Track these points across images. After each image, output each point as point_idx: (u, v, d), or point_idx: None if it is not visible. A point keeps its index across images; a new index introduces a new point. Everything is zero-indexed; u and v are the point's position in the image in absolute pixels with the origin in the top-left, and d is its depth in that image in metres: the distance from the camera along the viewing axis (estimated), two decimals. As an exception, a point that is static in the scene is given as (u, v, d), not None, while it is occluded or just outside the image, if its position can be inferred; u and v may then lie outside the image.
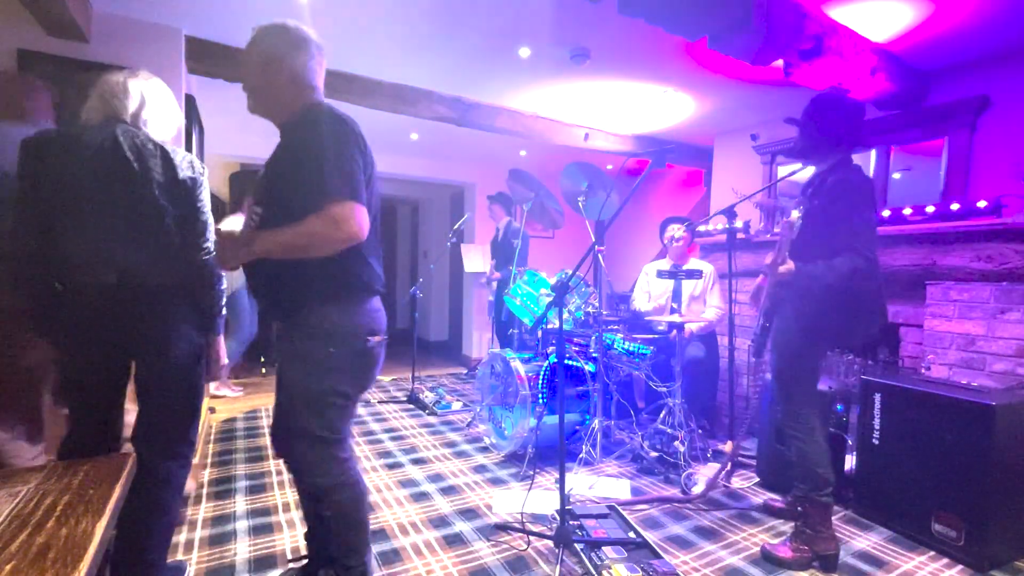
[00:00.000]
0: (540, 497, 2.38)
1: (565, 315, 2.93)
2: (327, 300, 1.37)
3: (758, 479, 2.67)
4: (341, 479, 1.43)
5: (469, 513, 2.27)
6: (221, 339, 1.68)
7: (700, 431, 2.97)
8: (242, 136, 4.77)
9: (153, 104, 1.57)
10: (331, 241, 1.26)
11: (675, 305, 3.28)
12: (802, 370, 1.99)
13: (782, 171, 4.00)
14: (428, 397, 4.20)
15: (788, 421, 1.99)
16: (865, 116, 1.95)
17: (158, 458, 1.50)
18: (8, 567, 0.85)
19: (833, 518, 2.01)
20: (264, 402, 3.95)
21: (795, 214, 1.82)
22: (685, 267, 3.30)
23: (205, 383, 1.66)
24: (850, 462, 2.45)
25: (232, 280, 4.12)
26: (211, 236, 1.57)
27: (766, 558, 1.94)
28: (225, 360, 1.70)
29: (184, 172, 1.52)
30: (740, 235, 3.31)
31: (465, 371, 5.52)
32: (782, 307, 1.98)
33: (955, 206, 2.70)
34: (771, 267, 1.87)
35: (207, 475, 2.58)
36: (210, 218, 1.59)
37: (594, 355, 3.02)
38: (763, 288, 2.17)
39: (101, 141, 1.44)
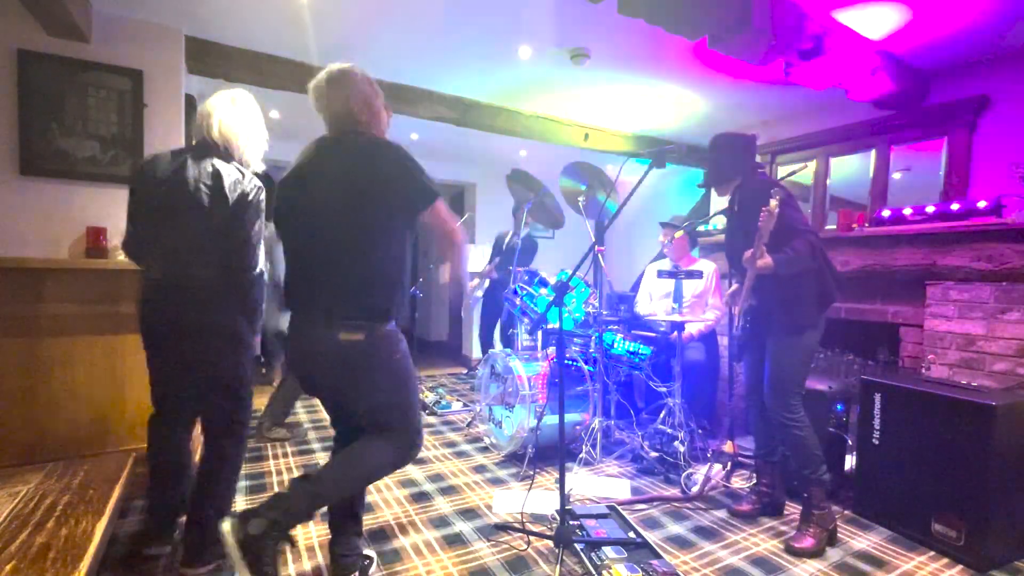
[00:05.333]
0: (540, 497, 2.38)
1: (564, 315, 2.93)
2: None
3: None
4: None
5: (469, 513, 2.27)
6: (258, 338, 1.87)
7: (700, 431, 2.97)
8: (242, 136, 4.76)
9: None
10: None
11: (675, 305, 3.28)
12: (798, 361, 2.09)
13: (782, 171, 4.00)
14: (428, 397, 4.20)
15: (785, 413, 2.07)
16: (756, 146, 2.27)
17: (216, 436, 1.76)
18: (8, 567, 0.85)
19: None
20: (264, 403, 3.93)
21: (773, 203, 1.88)
22: (686, 267, 3.31)
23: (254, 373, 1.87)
24: (850, 462, 2.45)
25: None
26: (258, 251, 1.72)
27: (792, 553, 1.98)
28: (257, 351, 1.88)
29: (231, 193, 1.66)
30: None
31: (465, 371, 5.52)
32: (766, 306, 2.10)
33: (955, 206, 2.70)
34: (751, 262, 1.96)
35: (207, 475, 2.58)
36: (258, 236, 1.73)
37: (594, 355, 3.02)
38: (739, 291, 2.24)
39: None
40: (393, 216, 1.48)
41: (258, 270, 1.73)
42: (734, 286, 2.33)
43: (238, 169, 1.71)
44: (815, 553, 1.97)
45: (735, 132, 2.28)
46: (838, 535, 2.09)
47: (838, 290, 2.10)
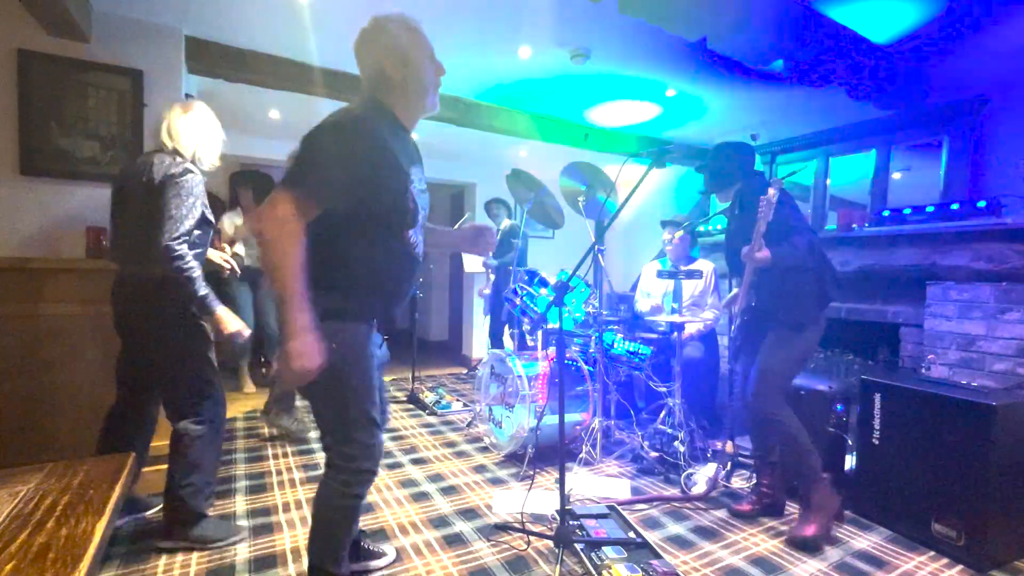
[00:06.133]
0: (540, 497, 2.38)
1: (564, 315, 2.92)
2: None
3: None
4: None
5: (469, 513, 2.27)
6: (220, 313, 1.85)
7: (700, 431, 2.97)
8: (242, 136, 4.76)
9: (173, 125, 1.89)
10: None
11: (675, 305, 3.28)
12: (792, 356, 2.10)
13: (782, 171, 4.00)
14: (428, 397, 4.20)
15: (771, 408, 2.08)
16: (755, 153, 2.34)
17: (174, 418, 1.87)
18: (8, 567, 0.85)
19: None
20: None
21: (771, 191, 1.90)
22: (686, 267, 3.30)
23: (230, 348, 1.91)
24: (850, 462, 2.45)
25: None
26: (174, 232, 1.71)
27: (796, 545, 1.99)
28: (233, 329, 1.89)
29: (156, 176, 1.77)
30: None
31: (465, 371, 5.52)
32: (766, 304, 2.12)
33: (955, 206, 2.70)
34: (749, 255, 1.98)
35: (207, 475, 2.58)
36: (180, 215, 1.75)
37: (594, 355, 3.02)
38: (739, 296, 2.26)
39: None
40: None
41: (180, 243, 1.71)
42: (735, 290, 2.34)
43: (173, 159, 1.82)
44: (819, 538, 1.98)
45: (734, 141, 2.34)
46: (838, 535, 2.09)
47: (836, 290, 2.10)
